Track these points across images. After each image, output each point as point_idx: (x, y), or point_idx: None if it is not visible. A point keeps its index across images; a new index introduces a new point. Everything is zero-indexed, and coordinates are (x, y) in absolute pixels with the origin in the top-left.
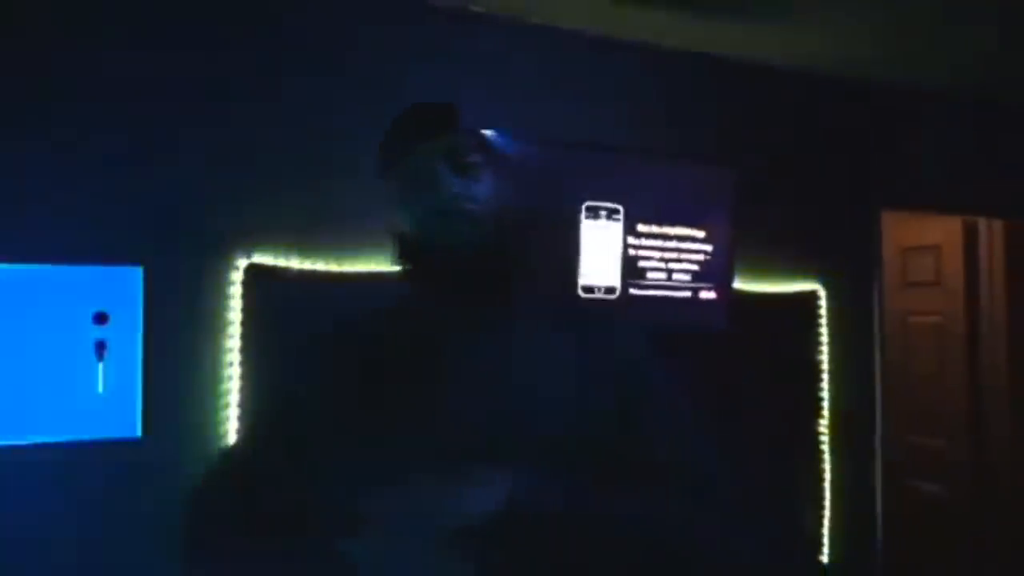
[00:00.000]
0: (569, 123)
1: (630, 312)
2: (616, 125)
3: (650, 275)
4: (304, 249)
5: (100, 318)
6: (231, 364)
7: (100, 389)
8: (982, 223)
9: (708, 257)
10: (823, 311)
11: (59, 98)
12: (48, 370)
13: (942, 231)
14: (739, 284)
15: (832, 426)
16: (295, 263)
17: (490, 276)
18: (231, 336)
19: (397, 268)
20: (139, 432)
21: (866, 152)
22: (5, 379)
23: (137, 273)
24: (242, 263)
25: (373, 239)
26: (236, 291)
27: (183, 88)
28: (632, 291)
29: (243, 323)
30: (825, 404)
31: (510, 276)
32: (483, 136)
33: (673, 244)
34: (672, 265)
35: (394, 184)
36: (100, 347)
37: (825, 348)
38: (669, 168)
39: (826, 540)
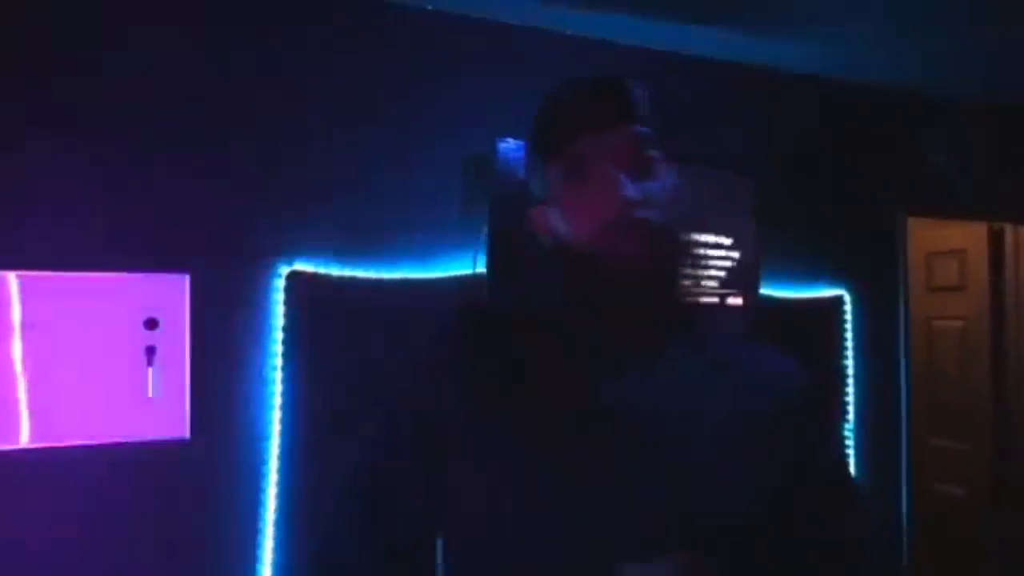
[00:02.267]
0: None
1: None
2: None
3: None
4: (345, 257)
5: (150, 324)
6: (275, 368)
7: (150, 392)
8: (1008, 228)
9: (735, 264)
10: (848, 316)
11: (111, 113)
12: (101, 374)
13: (967, 236)
14: (765, 290)
15: (858, 430)
16: (336, 271)
17: (660, 291)
18: (275, 341)
19: (549, 292)
20: (188, 434)
21: (892, 158)
22: (60, 383)
23: (184, 280)
24: (285, 270)
25: (411, 248)
26: (279, 297)
27: (230, 102)
28: None
29: (286, 328)
30: (851, 408)
31: (675, 288)
32: (662, 117)
33: (701, 251)
34: (700, 272)
35: (551, 179)
36: (150, 352)
37: (850, 352)
38: (694, 175)
39: None
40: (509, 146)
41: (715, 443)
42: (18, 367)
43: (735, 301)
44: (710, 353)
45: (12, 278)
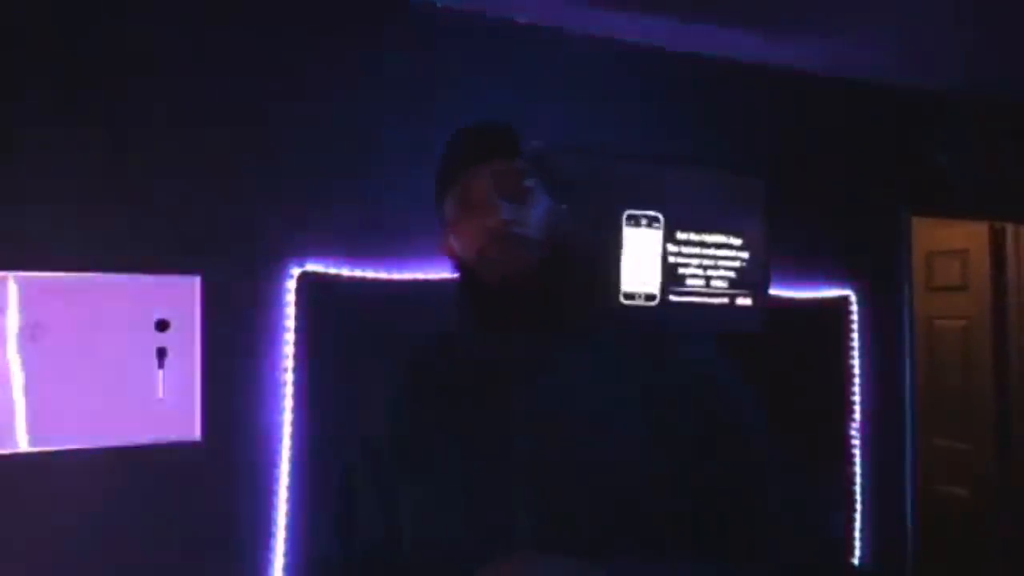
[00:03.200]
0: (598, 131)
1: (673, 319)
2: (647, 133)
3: (689, 282)
4: (355, 257)
5: (161, 325)
6: (286, 369)
7: (161, 394)
8: (1009, 227)
9: (744, 264)
10: (854, 315)
11: (124, 115)
12: (111, 376)
13: (969, 235)
14: (772, 290)
15: (863, 429)
16: (346, 271)
17: (545, 300)
18: (286, 342)
19: (454, 292)
20: (199, 436)
21: (896, 157)
22: (70, 384)
23: (195, 282)
24: (296, 271)
25: (420, 249)
26: (290, 298)
27: (241, 103)
28: (672, 298)
29: (297, 329)
30: (856, 407)
31: (565, 298)
32: (539, 157)
33: (711, 251)
34: (710, 272)
35: (449, 207)
36: (161, 353)
37: (856, 352)
38: (705, 176)
39: (857, 542)
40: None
41: (614, 438)
42: (27, 369)
43: (744, 302)
44: (609, 351)
45: (13, 280)
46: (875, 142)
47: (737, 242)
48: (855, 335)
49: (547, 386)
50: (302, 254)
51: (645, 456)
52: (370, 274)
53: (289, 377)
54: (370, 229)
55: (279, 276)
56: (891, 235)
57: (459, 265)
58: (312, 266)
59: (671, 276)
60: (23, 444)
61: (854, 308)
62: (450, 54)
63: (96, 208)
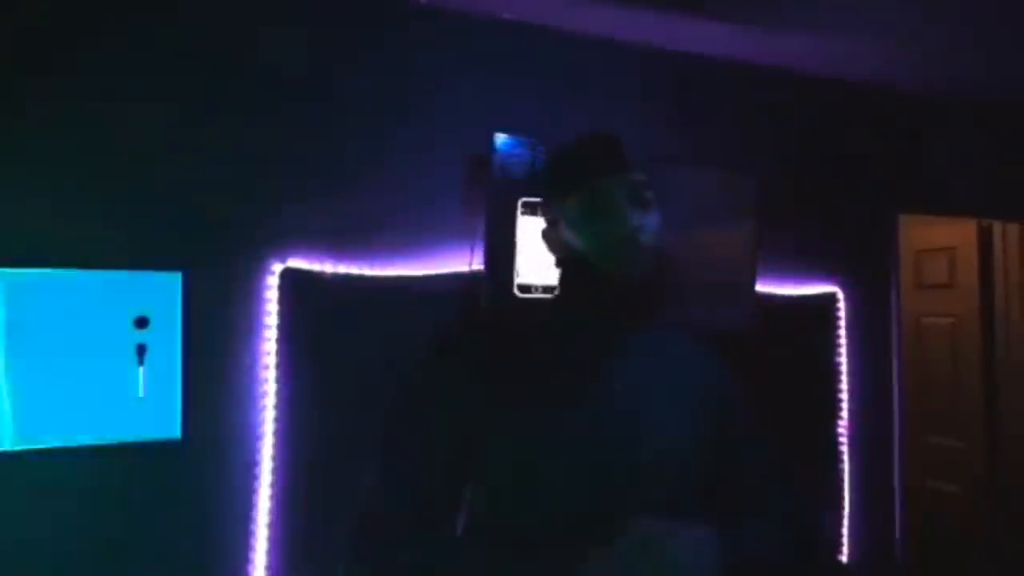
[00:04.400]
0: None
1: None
2: (635, 132)
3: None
4: (339, 253)
5: (141, 322)
6: (268, 367)
7: (141, 392)
8: (996, 225)
9: (733, 261)
10: (841, 312)
11: (99, 108)
12: (90, 373)
13: (956, 233)
14: (759, 286)
15: (850, 427)
16: (330, 267)
17: (648, 299)
18: (268, 339)
19: (556, 288)
20: (179, 433)
21: (884, 156)
22: (49, 382)
23: (176, 278)
24: (278, 267)
25: (405, 245)
26: (272, 295)
27: (222, 98)
28: None
29: (279, 326)
30: (844, 405)
31: (657, 299)
32: (648, 170)
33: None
34: (698, 270)
35: (573, 207)
36: (141, 351)
37: (843, 349)
38: (695, 175)
39: (845, 540)
40: (507, 142)
41: (663, 408)
42: (9, 367)
43: (734, 298)
44: (661, 341)
45: None
46: (864, 140)
47: (727, 240)
48: (842, 332)
49: (621, 359)
50: (284, 250)
51: (684, 443)
52: (354, 270)
53: (271, 374)
54: (356, 226)
55: (261, 272)
56: (879, 232)
57: (567, 257)
58: (294, 262)
59: None
60: (6, 443)
61: (841, 305)
62: (432, 51)
63: (75, 204)
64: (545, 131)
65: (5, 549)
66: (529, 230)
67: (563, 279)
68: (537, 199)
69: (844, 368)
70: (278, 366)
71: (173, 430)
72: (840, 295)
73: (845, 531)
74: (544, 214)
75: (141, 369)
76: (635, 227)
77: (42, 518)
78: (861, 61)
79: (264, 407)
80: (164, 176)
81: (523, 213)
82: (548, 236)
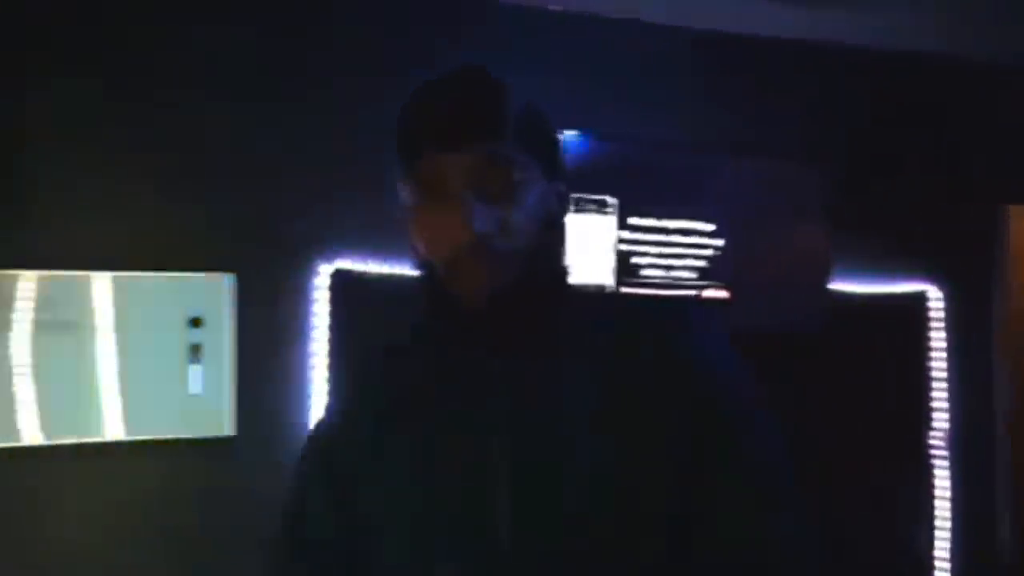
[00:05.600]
0: (650, 120)
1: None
2: (704, 122)
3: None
4: (386, 255)
5: (195, 323)
6: (316, 367)
7: (195, 390)
8: None
9: (802, 258)
10: (936, 313)
11: (159, 119)
12: (148, 371)
13: None
14: (840, 285)
15: (949, 437)
16: (377, 268)
17: (525, 321)
18: (317, 339)
19: (417, 287)
20: (231, 431)
21: (992, 140)
22: (110, 379)
23: (229, 280)
24: (327, 269)
25: None
26: (322, 295)
27: (271, 102)
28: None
29: (329, 327)
30: (938, 414)
31: (551, 308)
32: (535, 135)
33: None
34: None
35: (407, 191)
36: (195, 350)
37: (938, 353)
38: (763, 166)
39: (945, 564)
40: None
41: (590, 449)
42: (69, 364)
43: (807, 297)
44: (574, 350)
45: (52, 278)
46: (968, 123)
47: (791, 236)
48: (936, 334)
49: (505, 392)
50: (332, 252)
51: (623, 469)
52: (400, 271)
53: (321, 373)
54: (401, 226)
55: (309, 274)
56: (983, 226)
57: (421, 261)
58: (343, 263)
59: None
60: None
61: (936, 305)
62: (481, 44)
63: (133, 210)
64: (604, 124)
65: (61, 535)
66: (579, 228)
67: (419, 288)
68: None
69: (940, 373)
70: (330, 365)
71: (225, 427)
72: (934, 294)
73: (942, 553)
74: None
75: (195, 367)
76: (481, 234)
77: (97, 508)
78: (960, 34)
79: (312, 406)
80: (218, 183)
81: (573, 211)
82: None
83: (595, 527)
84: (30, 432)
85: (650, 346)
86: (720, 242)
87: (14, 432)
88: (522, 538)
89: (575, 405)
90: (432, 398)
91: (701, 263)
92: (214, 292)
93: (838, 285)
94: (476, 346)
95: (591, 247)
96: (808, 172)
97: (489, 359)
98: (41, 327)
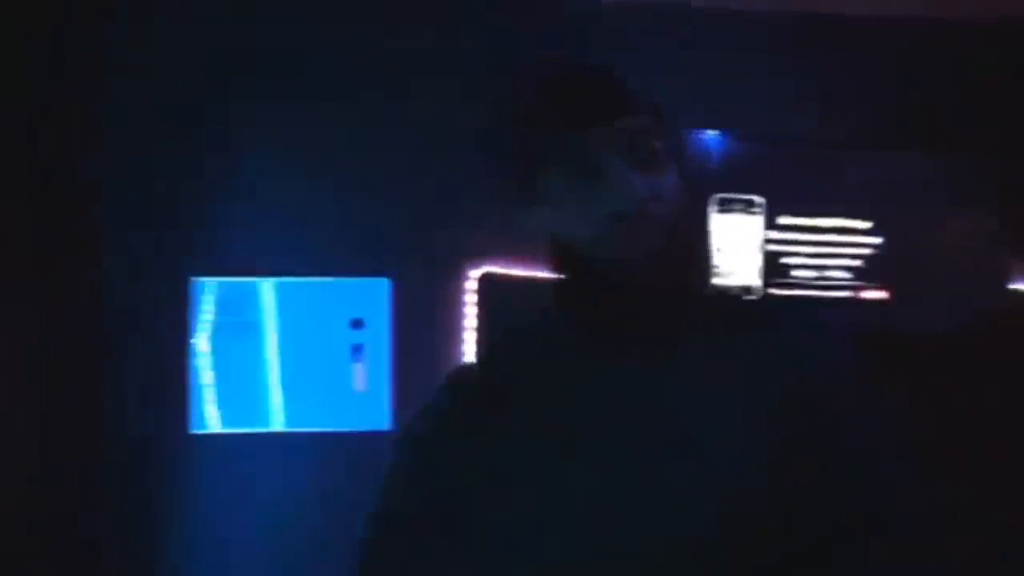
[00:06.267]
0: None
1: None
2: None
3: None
4: (535, 259)
5: (356, 324)
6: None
7: (357, 386)
8: None
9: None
10: None
11: (326, 134)
12: (314, 369)
13: None
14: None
15: None
16: (525, 273)
17: (674, 294)
18: (467, 341)
19: (552, 290)
20: (390, 425)
21: None
22: (280, 375)
23: (385, 284)
24: (476, 273)
25: None
26: (471, 299)
27: (425, 109)
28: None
29: (478, 328)
30: None
31: (696, 292)
32: (659, 112)
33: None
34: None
35: (545, 180)
36: (357, 350)
37: None
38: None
39: None
40: (707, 138)
41: (730, 449)
42: (245, 361)
43: (975, 297)
44: (721, 348)
45: (232, 283)
46: None
47: (963, 236)
48: None
49: (652, 385)
50: (483, 256)
51: (752, 484)
52: (547, 275)
53: None
54: (536, 224)
55: (460, 278)
56: None
57: (561, 259)
58: (492, 268)
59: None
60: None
61: None
62: (613, 44)
63: (299, 221)
64: (745, 123)
65: (237, 517)
66: (725, 228)
67: (556, 291)
68: (728, 194)
69: None
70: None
71: (385, 422)
72: None
73: None
74: (521, 188)
75: (357, 366)
76: (640, 197)
77: (276, 492)
78: None
79: None
80: (374, 193)
81: (719, 211)
82: (531, 221)
83: (726, 543)
84: (212, 421)
85: (788, 371)
86: (878, 240)
87: (201, 420)
88: (650, 546)
89: (710, 421)
90: (566, 400)
91: (857, 263)
92: (373, 295)
93: (1019, 284)
94: (614, 349)
95: (738, 248)
96: (968, 162)
97: (625, 362)
98: (220, 328)
